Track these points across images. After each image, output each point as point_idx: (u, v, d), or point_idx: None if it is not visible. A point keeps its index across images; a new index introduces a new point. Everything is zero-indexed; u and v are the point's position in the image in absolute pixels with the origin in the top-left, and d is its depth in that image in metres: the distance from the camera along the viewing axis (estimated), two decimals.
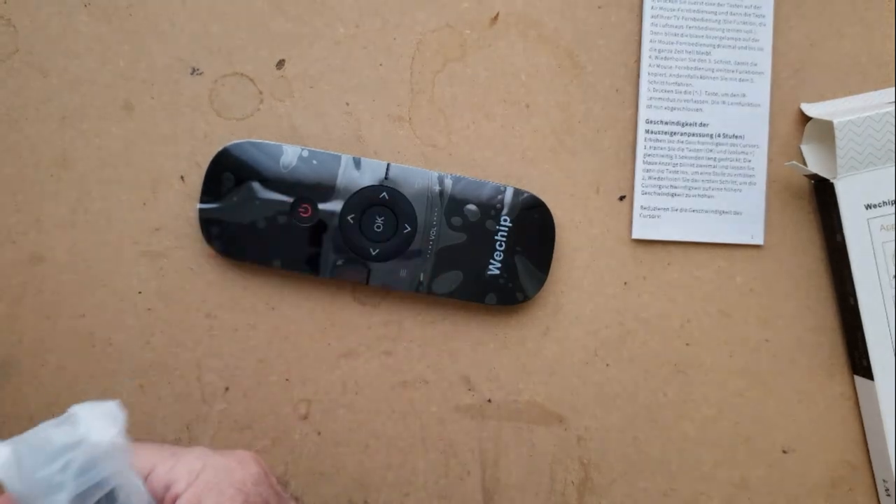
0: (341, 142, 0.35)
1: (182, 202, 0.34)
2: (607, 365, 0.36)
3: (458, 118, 0.35)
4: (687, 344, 0.36)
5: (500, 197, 0.34)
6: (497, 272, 0.34)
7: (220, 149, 0.33)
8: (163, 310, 0.35)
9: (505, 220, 0.34)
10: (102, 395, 0.34)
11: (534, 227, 0.34)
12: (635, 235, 0.35)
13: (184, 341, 0.35)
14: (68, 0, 0.34)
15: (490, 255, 0.34)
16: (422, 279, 0.34)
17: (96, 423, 0.24)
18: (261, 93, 0.35)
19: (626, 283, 0.36)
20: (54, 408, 0.34)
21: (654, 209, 0.35)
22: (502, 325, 0.35)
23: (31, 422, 0.34)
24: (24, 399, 0.34)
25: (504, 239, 0.34)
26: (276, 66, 0.35)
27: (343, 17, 0.35)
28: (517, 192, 0.34)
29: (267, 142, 0.34)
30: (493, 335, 0.35)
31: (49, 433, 0.24)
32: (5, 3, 0.34)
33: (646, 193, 0.35)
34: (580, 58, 0.35)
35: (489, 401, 0.35)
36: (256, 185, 0.33)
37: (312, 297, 0.35)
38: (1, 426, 0.34)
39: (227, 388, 0.35)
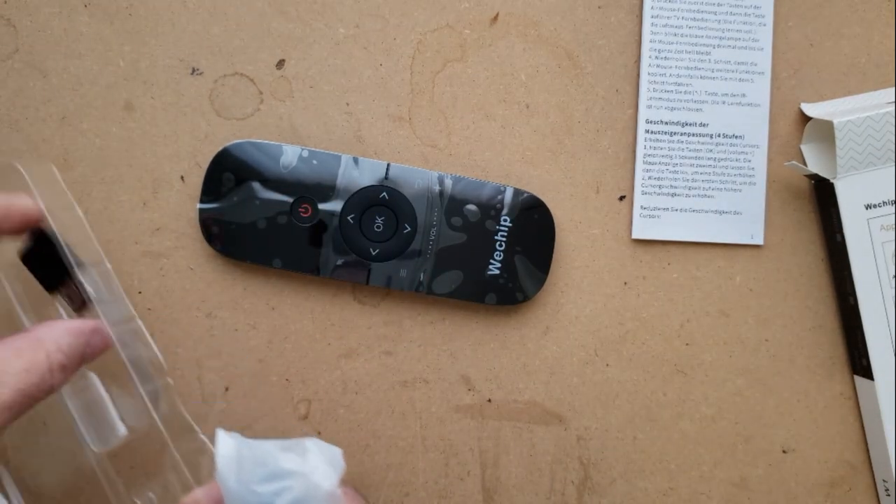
0: (341, 142, 0.35)
1: (182, 202, 0.34)
2: (607, 365, 0.36)
3: (458, 118, 0.35)
4: (687, 344, 0.36)
5: (499, 197, 0.34)
6: (497, 272, 0.34)
7: (220, 149, 0.33)
8: (163, 310, 0.35)
9: (505, 220, 0.34)
10: None
11: (534, 227, 0.34)
12: (635, 235, 0.35)
13: (184, 341, 0.35)
14: (68, 0, 0.34)
15: (490, 255, 0.34)
16: (422, 279, 0.34)
17: (321, 465, 0.25)
18: (261, 93, 0.35)
19: (625, 283, 0.36)
20: (54, 409, 0.34)
21: (654, 209, 0.35)
22: (502, 325, 0.35)
23: (30, 423, 0.34)
24: None
25: (504, 239, 0.34)
26: (276, 66, 0.35)
27: (343, 17, 0.35)
28: (517, 192, 0.34)
29: (267, 142, 0.34)
30: (493, 335, 0.35)
31: (277, 453, 0.25)
32: (5, 3, 0.34)
33: (646, 193, 0.35)
34: (580, 58, 0.35)
35: (489, 401, 0.35)
36: (256, 185, 0.33)
37: (312, 297, 0.35)
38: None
39: (227, 388, 0.35)
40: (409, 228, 0.34)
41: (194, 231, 0.34)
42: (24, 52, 0.34)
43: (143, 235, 0.34)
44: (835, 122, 0.33)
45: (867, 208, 0.34)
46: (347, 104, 0.35)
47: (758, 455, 0.36)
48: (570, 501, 0.35)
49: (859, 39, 0.36)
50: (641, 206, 0.35)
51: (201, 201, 0.33)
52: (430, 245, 0.34)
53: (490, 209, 0.34)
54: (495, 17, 0.35)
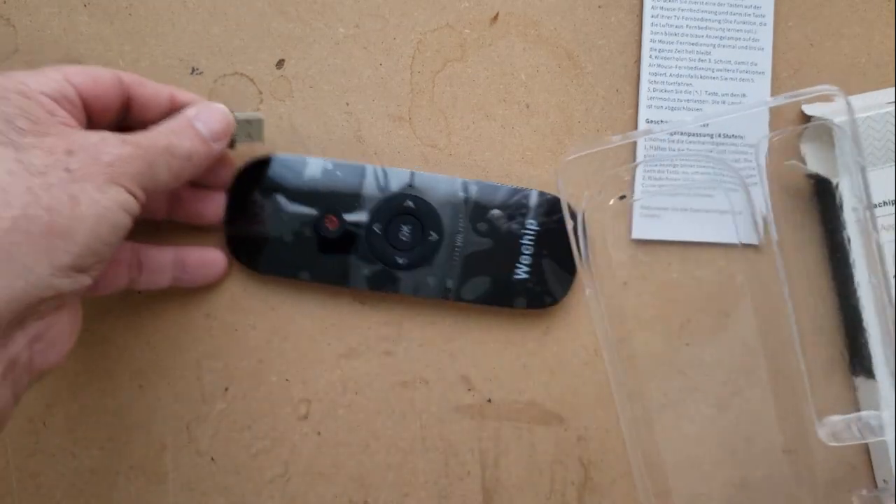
0: (341, 142, 0.35)
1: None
2: None
3: (458, 118, 0.35)
4: (687, 344, 0.36)
5: (524, 200, 0.34)
6: (525, 276, 0.34)
7: (242, 165, 0.33)
8: (163, 310, 0.35)
9: (530, 224, 0.34)
10: (102, 395, 0.35)
11: (560, 230, 0.34)
12: (635, 235, 0.35)
13: (184, 341, 0.35)
14: (68, 0, 0.34)
15: (517, 258, 0.34)
16: (449, 286, 0.34)
17: None
18: (261, 93, 0.35)
19: (625, 283, 0.36)
20: (54, 408, 0.34)
21: (654, 209, 0.35)
22: (502, 325, 0.35)
23: (30, 422, 0.34)
24: (24, 399, 0.34)
25: (530, 242, 0.34)
26: (276, 66, 0.35)
27: (343, 17, 0.35)
28: (541, 195, 0.34)
29: (290, 155, 0.34)
30: (492, 335, 0.35)
31: None
32: (5, 3, 0.34)
33: (646, 193, 0.35)
34: (580, 58, 0.35)
35: (489, 401, 0.35)
36: (281, 199, 0.33)
37: (312, 297, 0.35)
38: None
39: (226, 388, 0.35)
40: (435, 236, 0.34)
41: (194, 231, 0.34)
42: (24, 52, 0.34)
43: (143, 235, 0.34)
44: (835, 121, 0.33)
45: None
46: (347, 104, 0.35)
47: (758, 455, 0.36)
48: (570, 501, 0.35)
49: (859, 39, 0.36)
50: (641, 206, 0.35)
51: (226, 217, 0.33)
52: (456, 251, 0.34)
53: (515, 213, 0.34)
54: (495, 17, 0.35)
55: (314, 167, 0.33)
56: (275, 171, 0.33)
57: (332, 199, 0.33)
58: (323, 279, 0.34)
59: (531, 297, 0.34)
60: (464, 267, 0.34)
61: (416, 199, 0.34)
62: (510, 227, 0.34)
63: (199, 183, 0.33)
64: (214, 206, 0.33)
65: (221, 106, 0.30)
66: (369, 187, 0.34)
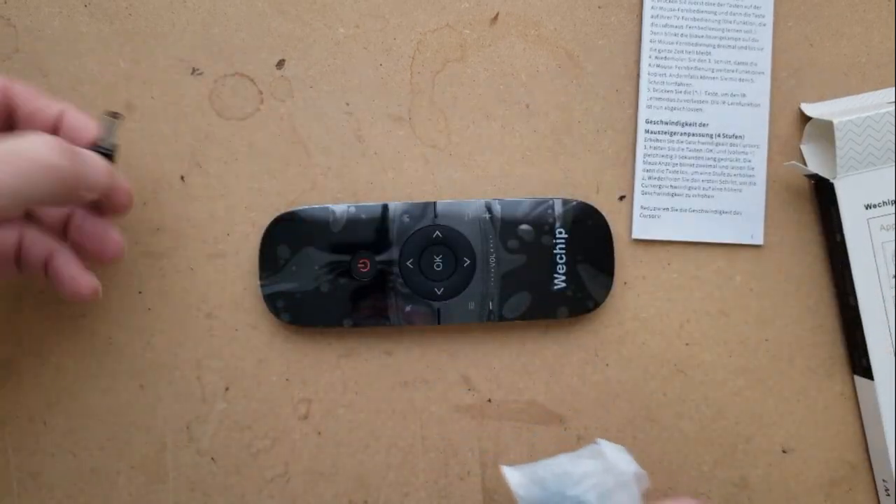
0: (341, 142, 0.35)
1: (182, 202, 0.35)
2: (607, 365, 0.36)
3: (458, 118, 0.35)
4: (686, 344, 0.36)
5: (549, 211, 0.34)
6: (563, 285, 0.34)
7: (267, 224, 0.34)
8: (163, 310, 0.35)
9: (560, 233, 0.34)
10: (102, 395, 0.35)
11: (589, 233, 0.34)
12: (635, 235, 0.35)
13: (184, 341, 0.35)
14: (68, 0, 0.34)
15: (553, 269, 0.34)
16: (491, 308, 0.34)
17: (617, 453, 0.28)
18: (261, 93, 0.35)
19: (625, 283, 0.36)
20: (54, 408, 0.35)
21: (654, 209, 0.35)
22: (502, 325, 0.35)
23: (31, 422, 0.34)
24: (24, 399, 0.34)
25: (563, 251, 0.34)
26: (276, 66, 0.35)
27: (343, 17, 0.35)
28: (565, 202, 0.34)
29: (313, 206, 0.34)
30: (492, 335, 0.35)
31: (572, 461, 0.28)
32: (5, 3, 0.34)
33: (646, 193, 0.35)
34: (580, 58, 0.35)
35: (489, 401, 0.35)
36: (312, 251, 0.33)
37: None
38: (1, 426, 0.34)
39: (227, 388, 0.35)
40: (468, 261, 0.34)
41: (194, 231, 0.34)
42: (24, 52, 0.34)
43: (143, 235, 0.34)
44: (835, 122, 0.33)
45: (867, 208, 0.34)
46: (347, 104, 0.35)
47: (758, 455, 0.36)
48: None
49: (859, 39, 0.36)
50: (641, 206, 0.35)
51: (261, 278, 0.34)
52: (491, 273, 0.34)
53: (543, 225, 0.34)
54: (495, 17, 0.35)
55: (338, 214, 0.33)
56: (300, 223, 0.33)
57: (361, 243, 0.34)
58: (366, 323, 0.34)
59: (573, 305, 0.34)
60: (502, 287, 0.34)
61: (443, 227, 0.34)
62: (541, 240, 0.34)
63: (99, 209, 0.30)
64: (112, 242, 0.30)
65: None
66: (394, 224, 0.34)
